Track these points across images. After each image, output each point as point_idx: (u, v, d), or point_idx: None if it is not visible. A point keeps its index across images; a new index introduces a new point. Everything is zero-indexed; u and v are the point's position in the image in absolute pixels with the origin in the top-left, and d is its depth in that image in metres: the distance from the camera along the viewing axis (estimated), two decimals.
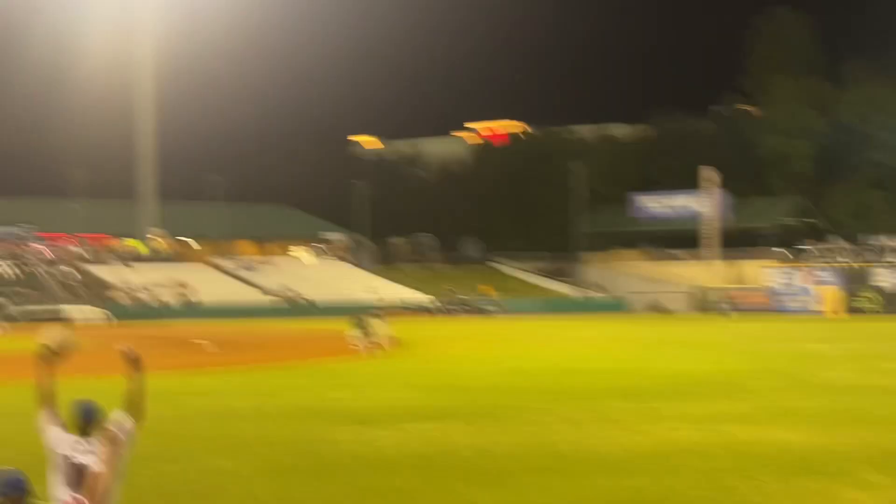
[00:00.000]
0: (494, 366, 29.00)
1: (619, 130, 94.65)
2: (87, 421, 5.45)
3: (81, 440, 5.38)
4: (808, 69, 72.73)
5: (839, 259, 61.80)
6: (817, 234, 67.03)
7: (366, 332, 33.08)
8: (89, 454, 5.33)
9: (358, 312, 37.54)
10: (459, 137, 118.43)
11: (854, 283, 59.08)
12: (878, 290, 58.40)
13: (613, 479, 11.33)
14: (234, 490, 11.02)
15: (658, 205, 76.08)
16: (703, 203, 70.42)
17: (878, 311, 56.39)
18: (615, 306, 68.02)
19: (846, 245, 63.20)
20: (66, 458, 5.27)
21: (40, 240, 67.33)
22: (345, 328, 34.95)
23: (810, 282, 60.80)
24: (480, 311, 64.01)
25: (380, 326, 35.10)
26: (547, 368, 27.64)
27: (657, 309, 65.08)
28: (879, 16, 77.95)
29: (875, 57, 70.18)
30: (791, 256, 64.72)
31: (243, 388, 23.11)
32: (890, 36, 70.93)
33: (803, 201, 72.84)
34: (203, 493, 10.84)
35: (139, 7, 70.54)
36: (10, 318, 49.49)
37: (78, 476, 5.27)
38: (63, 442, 5.32)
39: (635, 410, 17.68)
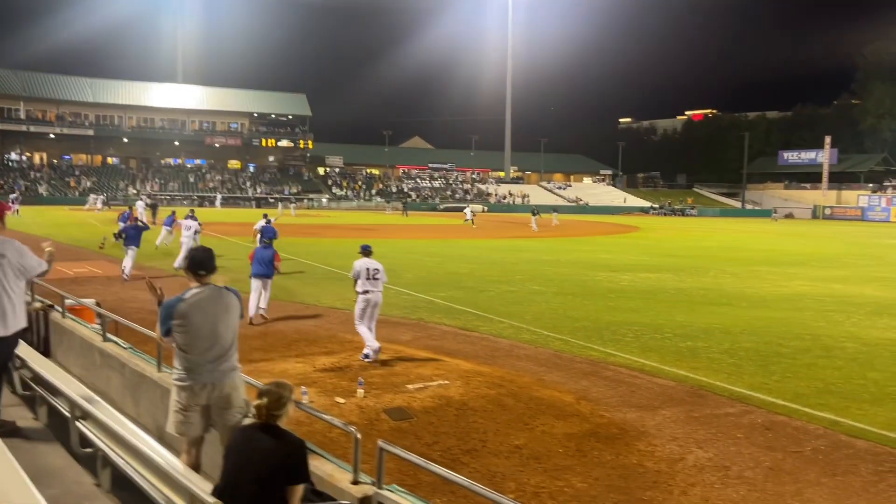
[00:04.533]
0: (690, 243, 33.17)
1: (772, 114, 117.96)
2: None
3: None
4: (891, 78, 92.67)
5: None
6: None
7: (538, 219, 41.04)
8: None
9: (536, 208, 47.89)
10: (677, 119, 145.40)
11: None
12: None
13: (760, 311, 13.87)
14: (540, 301, 14.85)
15: (795, 157, 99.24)
16: (821, 157, 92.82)
17: None
18: (765, 214, 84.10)
19: None
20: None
21: (454, 171, 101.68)
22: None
23: (891, 204, 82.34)
24: (684, 214, 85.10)
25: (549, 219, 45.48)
26: (720, 246, 31.35)
27: (790, 217, 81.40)
28: None
29: None
30: (877, 188, 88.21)
31: (549, 248, 27.98)
32: None
33: (887, 156, 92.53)
34: (523, 301, 14.87)
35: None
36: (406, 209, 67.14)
37: None
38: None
39: (775, 272, 20.38)
